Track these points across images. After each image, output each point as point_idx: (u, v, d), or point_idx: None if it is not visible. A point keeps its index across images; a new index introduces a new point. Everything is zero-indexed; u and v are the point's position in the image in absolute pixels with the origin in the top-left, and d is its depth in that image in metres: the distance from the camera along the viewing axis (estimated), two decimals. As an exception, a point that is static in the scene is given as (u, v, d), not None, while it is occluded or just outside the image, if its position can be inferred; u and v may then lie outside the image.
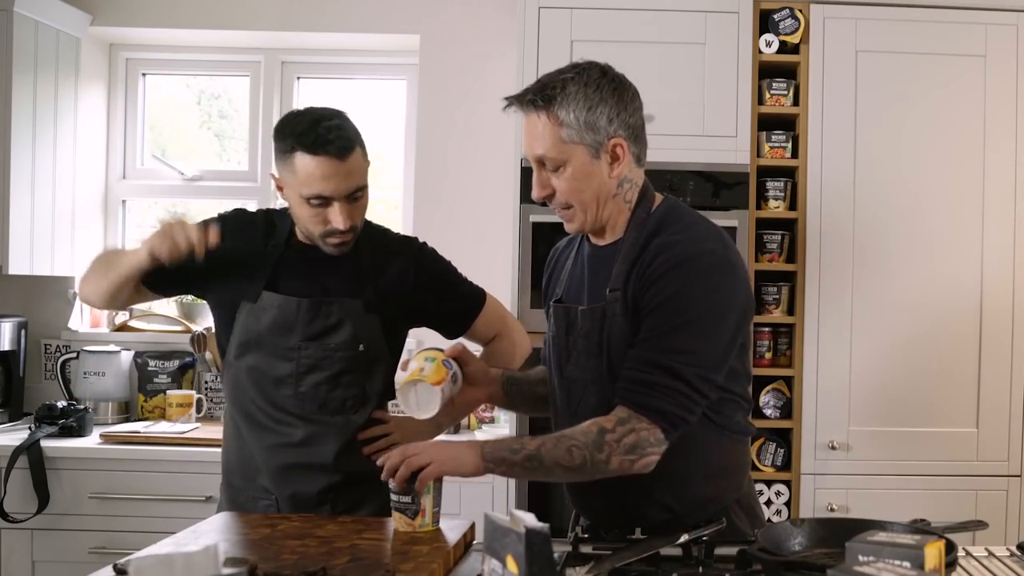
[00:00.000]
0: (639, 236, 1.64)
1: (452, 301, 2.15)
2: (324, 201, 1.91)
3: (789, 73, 3.00)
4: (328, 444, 2.00)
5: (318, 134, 1.87)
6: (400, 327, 2.12)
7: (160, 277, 1.96)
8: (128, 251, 2.00)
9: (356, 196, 1.95)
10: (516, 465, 1.55)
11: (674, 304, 1.55)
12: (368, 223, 2.07)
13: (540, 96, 1.60)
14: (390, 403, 2.14)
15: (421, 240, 2.17)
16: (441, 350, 1.79)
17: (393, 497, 1.65)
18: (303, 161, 1.88)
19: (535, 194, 1.65)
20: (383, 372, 2.08)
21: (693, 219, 1.66)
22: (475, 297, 2.18)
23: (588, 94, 1.59)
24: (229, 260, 2.02)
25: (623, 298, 1.60)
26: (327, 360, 1.99)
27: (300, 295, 2.00)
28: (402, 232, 2.25)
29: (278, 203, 2.19)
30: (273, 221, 2.09)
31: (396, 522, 1.66)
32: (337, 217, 1.91)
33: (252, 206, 3.60)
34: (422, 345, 2.28)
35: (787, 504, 2.91)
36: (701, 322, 1.56)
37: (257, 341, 2.00)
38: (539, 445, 1.54)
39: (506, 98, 1.65)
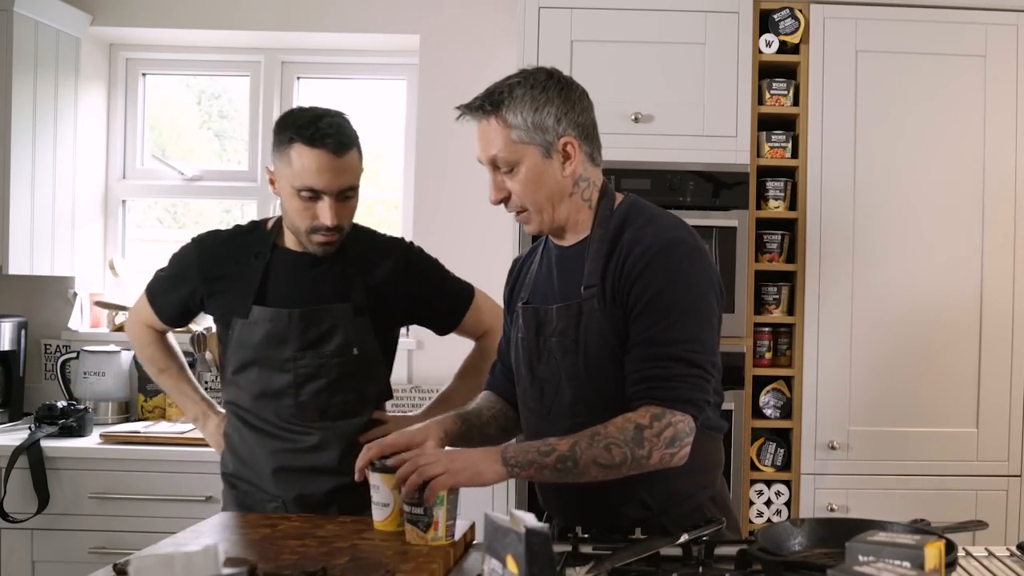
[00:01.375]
0: (606, 232, 1.66)
1: (442, 300, 2.16)
2: (314, 195, 1.93)
3: (789, 73, 3.00)
4: (332, 448, 2.02)
5: (318, 128, 1.92)
6: (391, 327, 2.14)
7: (174, 324, 2.26)
8: (186, 407, 2.29)
9: (347, 195, 1.97)
10: (547, 467, 1.52)
11: (666, 297, 1.58)
12: (355, 226, 2.09)
13: (488, 102, 1.64)
14: (388, 403, 2.15)
15: (408, 240, 2.19)
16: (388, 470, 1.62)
17: (405, 508, 1.57)
18: (299, 152, 1.91)
19: (491, 198, 1.70)
20: (379, 373, 2.10)
21: (657, 211, 1.70)
22: (464, 294, 2.19)
23: (534, 95, 1.63)
24: (218, 278, 2.07)
25: (600, 293, 1.62)
26: (324, 367, 2.01)
27: (290, 304, 2.01)
28: (401, 232, 2.26)
29: (274, 206, 2.20)
30: (254, 231, 2.12)
31: (408, 534, 1.58)
32: (325, 213, 1.94)
33: (252, 206, 3.62)
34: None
35: (787, 504, 2.91)
36: (695, 309, 1.60)
37: (253, 356, 2.02)
38: (572, 444, 1.52)
39: (457, 107, 1.68)
